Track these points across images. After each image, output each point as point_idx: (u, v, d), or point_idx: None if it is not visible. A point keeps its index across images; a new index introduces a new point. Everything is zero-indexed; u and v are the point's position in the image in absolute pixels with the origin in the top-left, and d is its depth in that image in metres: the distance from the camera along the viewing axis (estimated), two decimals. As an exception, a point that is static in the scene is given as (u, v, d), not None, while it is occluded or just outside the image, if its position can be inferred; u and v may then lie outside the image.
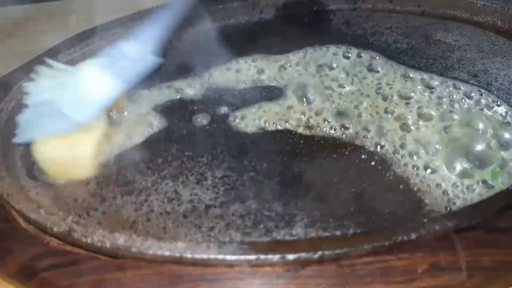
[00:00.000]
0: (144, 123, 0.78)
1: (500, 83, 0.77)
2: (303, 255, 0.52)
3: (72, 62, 0.87)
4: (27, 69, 0.85)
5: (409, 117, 0.73)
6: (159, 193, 0.66)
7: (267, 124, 0.76)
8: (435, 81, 0.79)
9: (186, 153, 0.72)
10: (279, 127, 0.76)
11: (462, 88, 0.77)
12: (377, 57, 0.85)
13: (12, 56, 1.04)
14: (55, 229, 0.58)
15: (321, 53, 0.88)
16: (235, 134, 0.75)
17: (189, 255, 0.53)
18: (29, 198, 0.62)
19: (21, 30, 1.19)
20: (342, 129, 0.73)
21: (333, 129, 0.74)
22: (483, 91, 0.75)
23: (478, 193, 0.63)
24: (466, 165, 0.66)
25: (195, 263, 0.54)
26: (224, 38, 0.88)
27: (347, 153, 0.70)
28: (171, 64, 0.86)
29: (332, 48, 0.88)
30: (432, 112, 0.73)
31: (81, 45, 0.90)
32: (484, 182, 0.64)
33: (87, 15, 1.15)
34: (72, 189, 0.68)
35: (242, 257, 0.53)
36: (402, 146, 0.69)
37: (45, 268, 0.55)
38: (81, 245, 0.57)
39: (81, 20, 1.07)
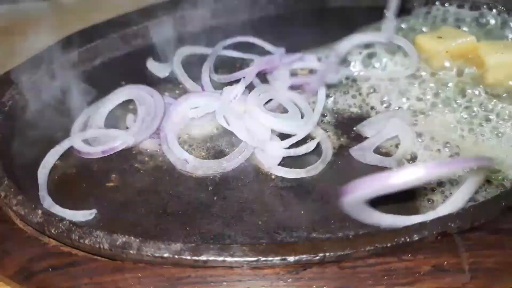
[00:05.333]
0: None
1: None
2: (304, 257, 0.52)
3: (72, 61, 0.88)
4: (26, 68, 0.84)
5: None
6: (158, 193, 0.66)
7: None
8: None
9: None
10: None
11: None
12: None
13: (12, 55, 1.03)
14: (53, 230, 0.57)
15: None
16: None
17: (188, 257, 0.53)
18: (26, 199, 0.62)
19: (20, 29, 1.19)
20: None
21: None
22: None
23: (480, 193, 0.62)
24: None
25: (194, 265, 0.53)
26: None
27: (347, 154, 0.70)
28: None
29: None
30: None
31: (78, 43, 0.90)
32: (488, 182, 0.63)
33: (87, 14, 1.14)
34: (70, 190, 0.67)
35: (242, 259, 0.52)
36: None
37: (43, 269, 0.55)
38: (79, 246, 0.56)
39: (79, 19, 1.06)
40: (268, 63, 0.82)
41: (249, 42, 0.91)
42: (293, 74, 0.83)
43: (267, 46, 0.90)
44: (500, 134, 0.69)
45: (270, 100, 0.76)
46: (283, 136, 0.71)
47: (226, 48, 0.90)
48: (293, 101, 0.76)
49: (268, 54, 0.87)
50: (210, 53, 0.89)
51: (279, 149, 0.68)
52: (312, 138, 0.70)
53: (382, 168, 0.67)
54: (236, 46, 0.90)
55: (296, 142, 0.69)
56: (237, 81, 0.76)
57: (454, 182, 0.64)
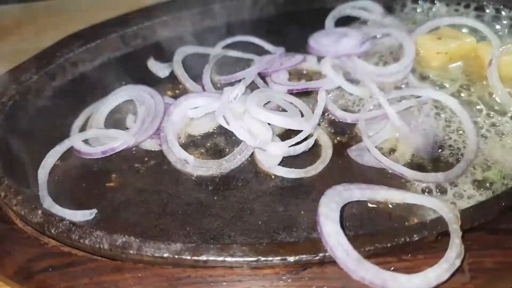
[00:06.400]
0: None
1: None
2: (304, 257, 0.52)
3: (72, 61, 0.88)
4: (26, 68, 0.84)
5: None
6: (158, 193, 0.66)
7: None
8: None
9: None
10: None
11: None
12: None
13: (11, 55, 1.03)
14: (53, 230, 0.57)
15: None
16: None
17: (188, 257, 0.53)
18: (26, 199, 0.62)
19: (19, 29, 1.19)
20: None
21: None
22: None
23: (481, 194, 0.62)
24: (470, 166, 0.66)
25: (194, 265, 0.53)
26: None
27: (346, 154, 0.70)
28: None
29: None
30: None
31: (78, 43, 0.89)
32: (489, 182, 0.63)
33: (85, 14, 1.14)
34: (70, 190, 0.67)
35: (242, 259, 0.52)
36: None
37: (42, 269, 0.55)
38: (79, 246, 0.56)
39: (79, 19, 1.06)
40: (268, 63, 0.82)
41: (250, 42, 0.91)
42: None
43: (267, 45, 0.90)
44: (494, 133, 0.70)
45: (269, 102, 0.76)
46: (283, 138, 0.71)
47: (227, 48, 0.90)
48: (292, 103, 0.76)
49: (268, 54, 0.87)
50: (211, 53, 0.89)
51: (280, 148, 0.68)
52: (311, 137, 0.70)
53: (381, 169, 0.66)
54: (237, 46, 0.91)
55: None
56: (238, 81, 0.76)
57: (452, 184, 0.64)
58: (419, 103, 0.73)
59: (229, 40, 0.91)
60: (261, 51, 0.89)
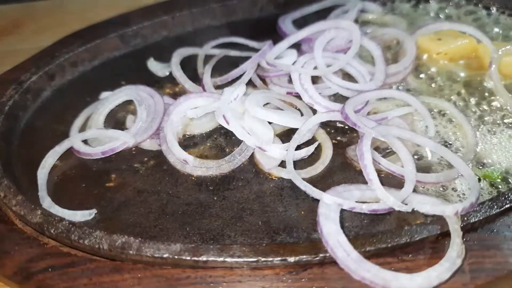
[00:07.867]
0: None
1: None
2: (304, 257, 0.52)
3: (72, 61, 0.88)
4: (26, 68, 0.84)
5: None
6: (157, 194, 0.66)
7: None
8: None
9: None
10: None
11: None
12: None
13: (11, 55, 1.03)
14: (52, 231, 0.57)
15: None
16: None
17: (188, 257, 0.53)
18: (26, 199, 0.61)
19: (19, 29, 1.19)
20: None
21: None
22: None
23: (481, 194, 0.62)
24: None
25: (194, 265, 0.53)
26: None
27: (347, 153, 0.69)
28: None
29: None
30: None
31: (78, 43, 0.89)
32: (489, 183, 0.63)
33: (85, 14, 1.14)
34: (70, 190, 0.67)
35: (242, 260, 0.52)
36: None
37: (42, 270, 0.55)
38: (78, 246, 0.56)
39: (79, 19, 1.06)
40: (261, 55, 0.83)
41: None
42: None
43: (251, 43, 0.90)
44: (493, 134, 0.70)
45: (267, 104, 0.76)
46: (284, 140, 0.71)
47: (226, 48, 0.90)
48: (291, 104, 0.76)
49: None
50: (200, 53, 0.89)
51: (280, 151, 0.67)
52: (312, 141, 0.70)
53: (381, 169, 0.66)
54: (237, 46, 0.90)
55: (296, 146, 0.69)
56: (237, 79, 0.76)
57: (452, 184, 0.64)
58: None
59: (213, 43, 0.90)
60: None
